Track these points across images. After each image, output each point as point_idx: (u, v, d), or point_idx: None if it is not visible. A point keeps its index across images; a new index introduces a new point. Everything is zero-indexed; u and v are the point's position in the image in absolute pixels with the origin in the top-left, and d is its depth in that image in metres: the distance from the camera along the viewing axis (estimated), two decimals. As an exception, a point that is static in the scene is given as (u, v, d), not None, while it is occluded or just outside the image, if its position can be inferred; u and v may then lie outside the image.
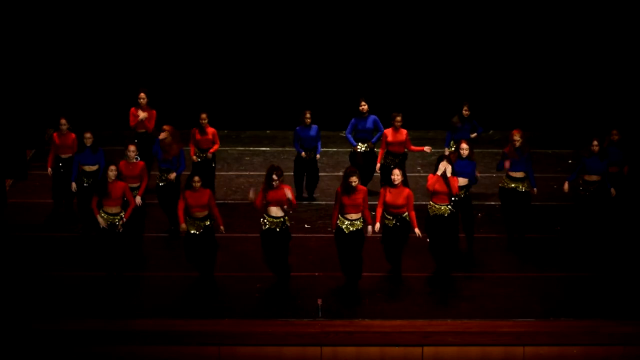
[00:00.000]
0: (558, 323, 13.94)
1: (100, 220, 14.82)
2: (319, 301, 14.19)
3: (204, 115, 17.99)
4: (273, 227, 14.58)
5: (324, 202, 18.39)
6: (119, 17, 22.38)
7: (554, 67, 22.83)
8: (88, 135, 16.69)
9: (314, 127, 18.16)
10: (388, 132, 17.92)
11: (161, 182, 16.55)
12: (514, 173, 16.17)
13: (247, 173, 20.08)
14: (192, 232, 14.76)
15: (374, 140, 18.56)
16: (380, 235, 15.04)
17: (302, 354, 13.61)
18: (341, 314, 14.15)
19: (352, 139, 18.50)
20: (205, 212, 14.73)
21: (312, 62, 22.91)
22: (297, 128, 18.16)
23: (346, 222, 14.56)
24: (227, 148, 21.79)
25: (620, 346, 13.70)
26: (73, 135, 17.25)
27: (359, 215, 14.59)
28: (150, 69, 22.53)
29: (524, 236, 16.37)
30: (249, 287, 14.85)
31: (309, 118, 18.10)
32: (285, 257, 14.77)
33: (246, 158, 21.09)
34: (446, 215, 15.05)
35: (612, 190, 16.41)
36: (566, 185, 16.53)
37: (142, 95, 18.52)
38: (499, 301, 14.59)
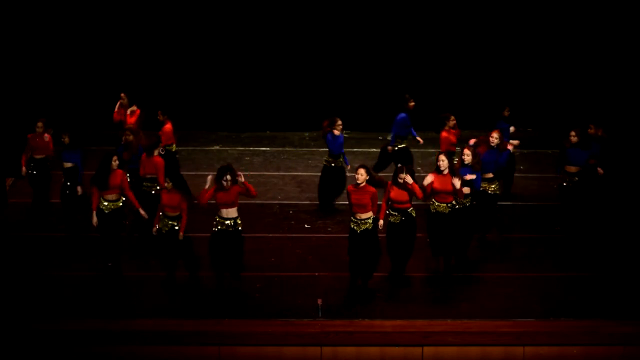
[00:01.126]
0: (558, 323, 13.94)
1: (94, 219, 14.98)
2: (319, 301, 14.19)
3: (159, 112, 17.98)
4: (224, 228, 14.39)
5: (324, 202, 18.40)
6: (121, 19, 22.40)
7: (555, 67, 22.85)
8: (65, 136, 16.82)
9: (342, 135, 17.80)
10: (449, 134, 17.68)
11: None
12: (485, 174, 16.06)
13: (247, 173, 20.05)
14: (160, 228, 14.80)
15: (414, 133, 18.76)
16: (384, 235, 15.02)
17: (302, 354, 13.61)
18: (341, 314, 14.15)
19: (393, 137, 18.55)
20: (177, 213, 14.75)
21: (311, 63, 22.92)
22: (328, 135, 17.65)
23: (355, 221, 14.45)
24: (227, 148, 21.81)
25: (620, 346, 13.70)
26: (48, 136, 17.35)
27: (368, 215, 14.48)
28: (151, 71, 22.55)
29: (485, 236, 16.35)
30: (249, 287, 14.84)
31: (340, 126, 17.68)
32: (239, 258, 14.55)
33: (246, 158, 21.09)
34: (446, 212, 15.02)
35: (600, 169, 16.89)
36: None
37: (122, 95, 18.89)
38: (499, 301, 14.59)
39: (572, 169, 16.55)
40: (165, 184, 14.77)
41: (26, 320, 13.75)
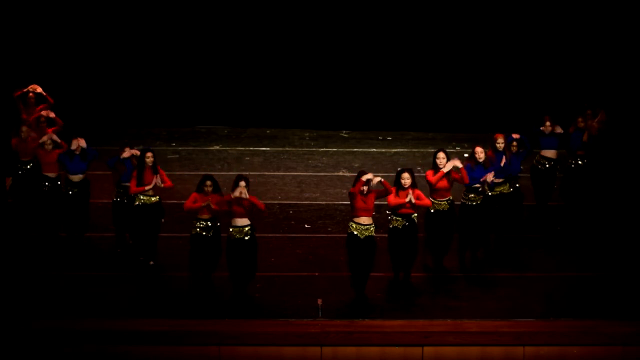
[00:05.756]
0: (558, 323, 13.94)
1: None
2: (319, 301, 14.19)
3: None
4: (240, 236, 14.29)
5: (324, 202, 18.41)
6: (122, 17, 22.40)
7: (551, 69, 22.86)
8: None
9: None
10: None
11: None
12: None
13: (247, 173, 20.04)
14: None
15: None
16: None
17: (302, 354, 13.61)
18: (341, 314, 14.15)
19: None
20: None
21: (312, 60, 22.92)
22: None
23: (358, 227, 14.28)
24: (227, 148, 21.80)
25: (620, 346, 13.71)
26: None
27: (370, 220, 14.37)
28: (151, 68, 22.55)
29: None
30: (249, 287, 14.83)
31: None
32: (255, 265, 14.52)
33: (246, 158, 21.08)
34: (446, 210, 15.04)
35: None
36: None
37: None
38: (499, 301, 14.59)
39: (549, 153, 17.33)
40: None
41: (26, 320, 13.75)
